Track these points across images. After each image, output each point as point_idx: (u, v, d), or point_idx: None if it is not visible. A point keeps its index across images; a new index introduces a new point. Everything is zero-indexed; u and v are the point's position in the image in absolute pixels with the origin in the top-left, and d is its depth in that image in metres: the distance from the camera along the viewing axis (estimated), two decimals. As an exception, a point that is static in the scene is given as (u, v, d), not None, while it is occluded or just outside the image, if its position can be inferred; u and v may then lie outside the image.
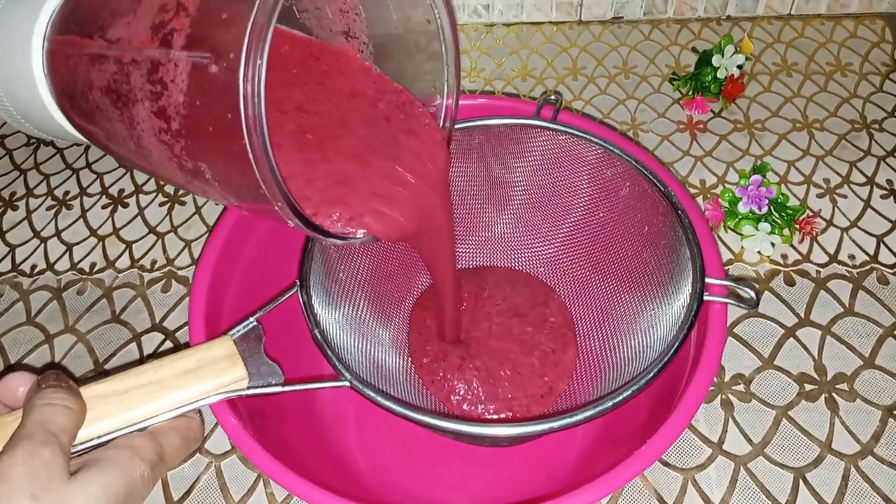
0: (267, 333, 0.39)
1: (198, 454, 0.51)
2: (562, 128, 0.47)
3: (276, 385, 0.38)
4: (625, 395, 0.37)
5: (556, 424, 0.36)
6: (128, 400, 0.35)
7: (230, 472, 0.50)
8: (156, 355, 0.56)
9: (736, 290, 0.41)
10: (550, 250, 0.53)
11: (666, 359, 0.38)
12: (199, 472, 0.50)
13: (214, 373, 0.37)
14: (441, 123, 0.41)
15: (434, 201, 0.40)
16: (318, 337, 0.40)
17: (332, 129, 0.38)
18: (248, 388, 0.37)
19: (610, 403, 0.37)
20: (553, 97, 0.48)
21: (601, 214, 0.50)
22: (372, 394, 0.37)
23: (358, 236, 0.37)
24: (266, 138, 0.28)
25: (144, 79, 0.30)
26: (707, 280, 0.40)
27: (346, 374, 0.38)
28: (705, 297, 0.40)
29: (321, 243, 0.43)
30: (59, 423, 0.31)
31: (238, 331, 0.39)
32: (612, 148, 0.46)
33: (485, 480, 0.47)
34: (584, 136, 0.47)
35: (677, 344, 0.38)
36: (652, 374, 0.37)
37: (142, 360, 0.56)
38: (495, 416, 0.46)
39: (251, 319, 0.39)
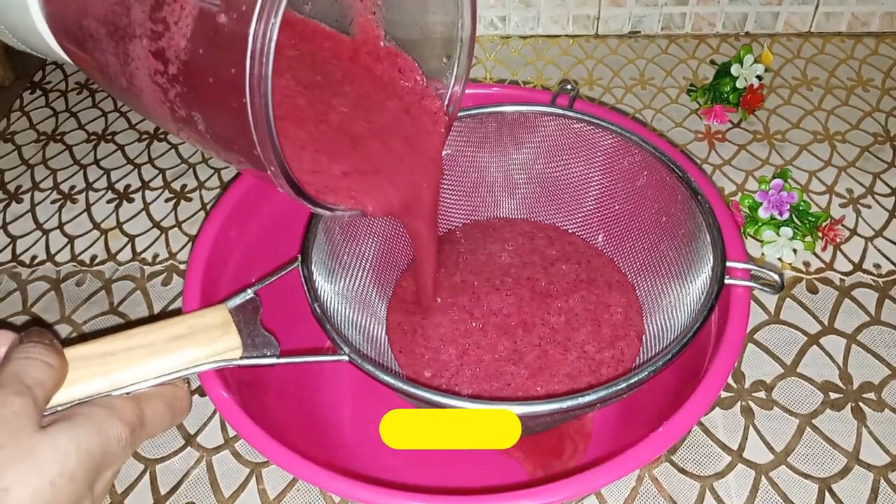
0: (265, 309, 0.37)
1: (188, 447, 0.49)
2: (578, 115, 0.46)
3: (271, 356, 0.36)
4: (639, 377, 0.35)
5: (564, 405, 0.34)
6: (113, 362, 0.33)
7: (222, 467, 0.48)
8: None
9: (760, 274, 0.38)
10: (563, 245, 0.51)
11: (684, 341, 0.36)
12: (189, 466, 0.48)
13: (206, 340, 0.35)
14: (446, 105, 0.40)
15: (424, 181, 0.39)
16: (318, 311, 0.38)
17: (333, 102, 0.37)
18: (242, 357, 0.35)
19: (624, 385, 0.34)
20: (569, 86, 0.47)
21: (617, 206, 0.48)
22: (370, 368, 0.35)
23: (345, 208, 0.35)
24: (269, 100, 0.27)
25: (146, 14, 0.29)
26: (729, 264, 0.38)
27: (345, 348, 0.36)
28: (727, 281, 0.38)
29: (325, 219, 0.41)
30: (34, 377, 0.30)
31: (235, 301, 0.37)
32: (629, 135, 0.45)
33: (490, 470, 0.45)
34: (601, 123, 0.45)
35: (697, 326, 0.36)
36: (670, 356, 0.35)
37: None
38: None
39: (248, 291, 0.38)
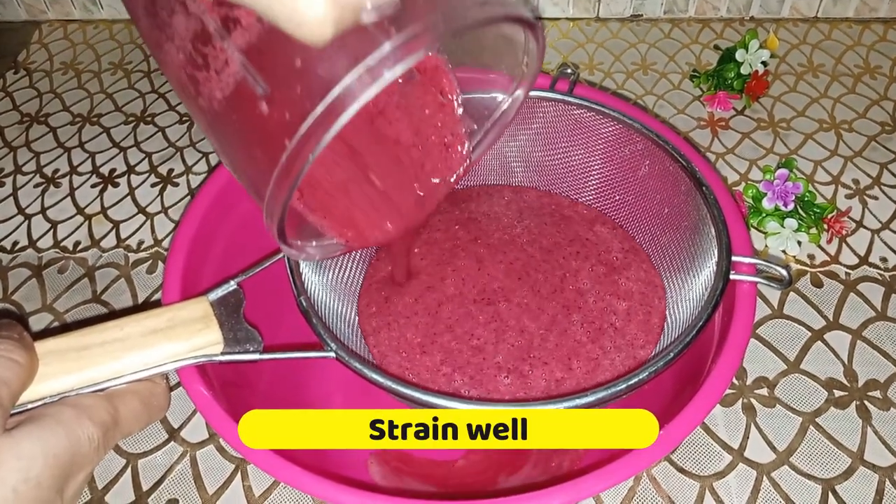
0: (250, 302, 0.36)
1: (172, 442, 0.47)
2: (577, 100, 0.44)
3: (253, 352, 0.34)
4: (639, 377, 0.33)
5: (559, 407, 0.32)
6: (87, 357, 0.32)
7: (206, 463, 0.46)
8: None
9: (766, 269, 0.37)
10: (561, 236, 0.49)
11: (688, 340, 0.34)
12: (173, 462, 0.46)
13: (186, 334, 0.34)
14: (471, 148, 0.37)
15: (417, 219, 0.37)
16: (304, 305, 0.36)
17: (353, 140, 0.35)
18: (223, 353, 0.34)
19: (624, 386, 0.33)
20: (569, 70, 0.45)
21: (617, 197, 0.46)
22: (358, 365, 0.34)
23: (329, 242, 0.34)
24: (290, 196, 0.26)
25: (190, 35, 0.26)
26: (734, 258, 0.37)
27: (332, 345, 0.34)
28: (732, 276, 0.36)
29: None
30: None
31: (216, 293, 0.35)
32: (631, 122, 0.43)
33: (484, 474, 0.43)
34: (602, 109, 0.44)
35: (701, 324, 0.34)
36: (672, 356, 0.34)
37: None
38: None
39: (231, 282, 0.36)
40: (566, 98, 0.44)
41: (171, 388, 0.46)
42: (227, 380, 0.37)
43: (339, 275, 0.41)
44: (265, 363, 0.35)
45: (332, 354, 0.34)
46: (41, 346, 0.31)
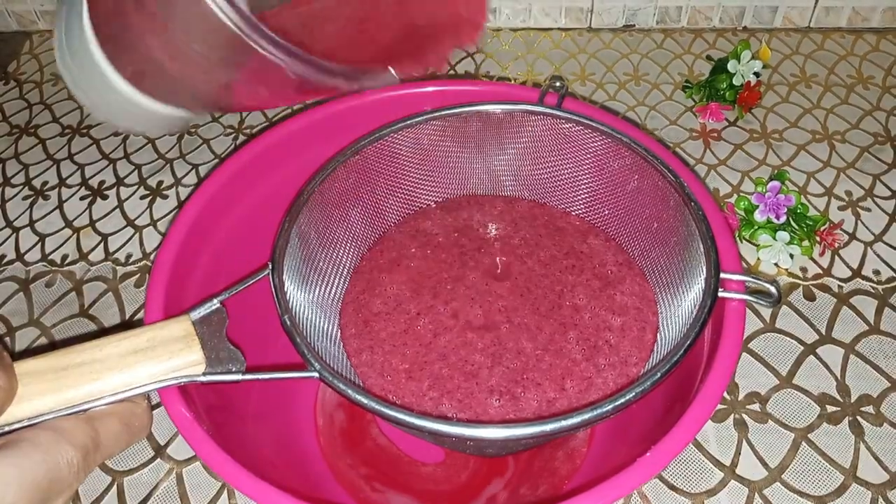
0: (239, 321, 0.35)
1: (158, 459, 0.47)
2: (566, 115, 0.44)
3: (236, 373, 0.34)
4: (627, 398, 0.32)
5: (547, 428, 0.32)
6: (66, 378, 0.31)
7: (192, 480, 0.46)
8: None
9: (756, 286, 0.36)
10: (551, 250, 0.49)
11: (675, 359, 0.34)
12: (159, 479, 0.46)
13: (167, 354, 0.33)
14: None
15: None
16: (288, 323, 0.35)
17: None
18: (204, 373, 0.33)
19: (610, 406, 0.32)
20: (558, 83, 0.45)
21: (606, 212, 0.46)
22: (342, 386, 0.33)
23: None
24: None
25: None
26: (723, 275, 0.36)
27: (316, 364, 0.34)
28: (720, 294, 0.36)
29: (299, 222, 0.39)
30: (-26, 398, 0.27)
31: (198, 312, 0.35)
32: (619, 136, 0.42)
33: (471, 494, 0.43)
34: (590, 123, 0.43)
35: (688, 343, 0.34)
36: (659, 376, 0.33)
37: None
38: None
39: (214, 301, 0.35)
40: (555, 112, 0.44)
41: (154, 407, 0.45)
42: (210, 399, 0.37)
43: (326, 291, 0.41)
44: (251, 383, 0.34)
45: (316, 374, 0.34)
46: (19, 367, 0.31)
